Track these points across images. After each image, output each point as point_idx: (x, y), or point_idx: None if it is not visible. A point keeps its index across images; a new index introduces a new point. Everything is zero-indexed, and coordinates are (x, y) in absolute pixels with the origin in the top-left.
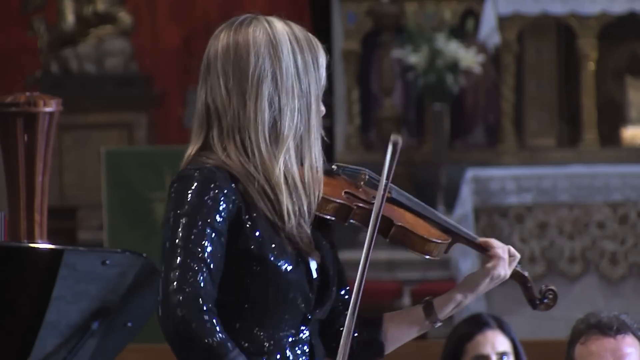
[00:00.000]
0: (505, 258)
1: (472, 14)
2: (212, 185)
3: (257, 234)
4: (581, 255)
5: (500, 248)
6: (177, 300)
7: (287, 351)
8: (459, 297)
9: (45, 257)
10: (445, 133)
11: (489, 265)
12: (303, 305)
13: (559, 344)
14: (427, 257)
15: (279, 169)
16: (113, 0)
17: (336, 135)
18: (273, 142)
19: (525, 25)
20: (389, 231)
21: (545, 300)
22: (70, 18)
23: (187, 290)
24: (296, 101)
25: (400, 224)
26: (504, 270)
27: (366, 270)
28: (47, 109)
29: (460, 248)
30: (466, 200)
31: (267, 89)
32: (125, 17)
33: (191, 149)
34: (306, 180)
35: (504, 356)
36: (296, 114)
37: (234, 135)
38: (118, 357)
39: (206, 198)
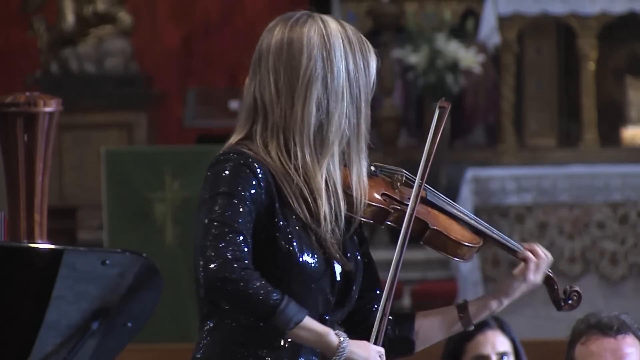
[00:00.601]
0: (539, 262)
1: (472, 14)
2: (247, 170)
3: (288, 229)
4: (581, 255)
5: (535, 252)
6: (217, 265)
7: (302, 349)
8: (494, 304)
9: (45, 257)
10: (445, 133)
11: (523, 269)
12: (321, 305)
13: (559, 344)
14: (459, 260)
15: (322, 175)
16: (113, 0)
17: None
18: (318, 146)
19: (525, 25)
20: (423, 234)
21: (570, 302)
22: (70, 18)
23: (224, 254)
24: (345, 105)
25: (435, 227)
26: (539, 274)
27: (400, 264)
28: (47, 109)
29: None
30: (466, 200)
31: (316, 91)
32: (125, 17)
33: (233, 139)
34: (353, 187)
35: (504, 356)
36: (344, 118)
37: (277, 133)
38: (118, 357)
39: (240, 180)
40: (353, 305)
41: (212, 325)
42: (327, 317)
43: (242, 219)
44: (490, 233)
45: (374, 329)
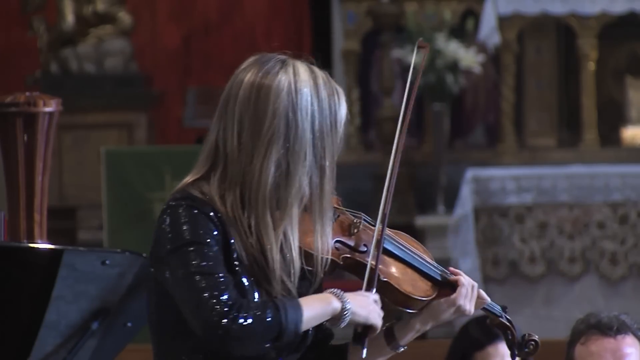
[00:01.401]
0: (469, 293)
1: (472, 14)
2: (203, 216)
3: (244, 278)
4: (581, 255)
5: (466, 284)
6: (216, 320)
7: None
8: (418, 325)
9: (45, 257)
10: (445, 133)
11: (453, 297)
12: (273, 353)
13: (559, 344)
14: (408, 311)
15: (276, 239)
16: (113, 0)
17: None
18: (274, 207)
19: (525, 25)
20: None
21: (526, 350)
22: (70, 18)
23: (218, 306)
24: (306, 167)
25: (385, 279)
26: (469, 304)
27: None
28: (47, 109)
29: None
30: (466, 200)
31: (276, 151)
32: (125, 17)
33: (189, 178)
34: (315, 247)
35: None
36: (305, 180)
37: (234, 188)
38: (118, 357)
39: (199, 226)
40: (302, 351)
41: None
42: None
43: (218, 263)
44: (440, 278)
45: (365, 279)
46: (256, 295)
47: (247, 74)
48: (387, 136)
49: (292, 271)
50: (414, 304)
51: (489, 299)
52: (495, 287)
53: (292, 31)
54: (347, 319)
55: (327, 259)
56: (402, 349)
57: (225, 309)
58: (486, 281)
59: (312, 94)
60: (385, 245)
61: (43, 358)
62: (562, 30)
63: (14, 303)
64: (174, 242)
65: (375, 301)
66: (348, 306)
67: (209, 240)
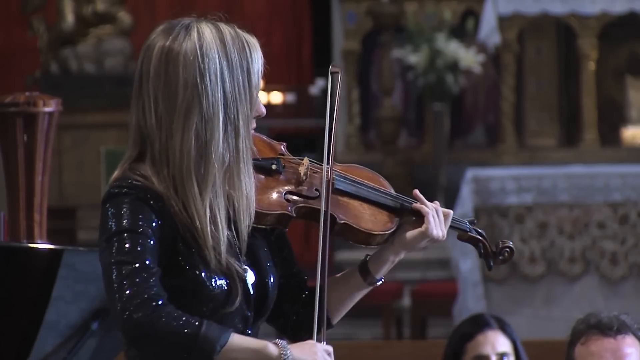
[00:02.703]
0: (437, 219)
1: (472, 13)
2: (144, 205)
3: (193, 257)
4: (581, 255)
5: (430, 210)
6: (132, 308)
7: None
8: (392, 257)
9: (45, 257)
10: (445, 133)
11: (423, 228)
12: (240, 324)
13: (559, 344)
14: (371, 247)
15: (205, 214)
16: (113, 0)
17: (336, 135)
18: (201, 178)
19: (525, 25)
20: (332, 228)
21: (501, 257)
22: (69, 18)
23: (136, 296)
24: (221, 131)
25: (343, 221)
26: (440, 230)
27: (326, 261)
28: (47, 109)
29: (461, 247)
30: (466, 200)
31: (194, 122)
32: (124, 17)
33: (124, 163)
34: (237, 209)
35: (504, 357)
36: (221, 144)
37: (161, 166)
38: (118, 357)
39: (140, 216)
40: (271, 308)
41: None
42: (249, 332)
43: (149, 255)
44: (399, 205)
45: (314, 328)
46: (214, 281)
47: (155, 47)
48: (387, 136)
49: (222, 241)
50: (376, 239)
51: (452, 213)
52: (495, 287)
53: (292, 31)
54: None
55: (252, 215)
56: (380, 282)
57: (143, 301)
58: (486, 281)
59: (219, 54)
60: (337, 185)
61: (43, 358)
62: (562, 30)
63: (14, 303)
64: (109, 230)
65: (328, 352)
66: (287, 353)
67: (143, 230)
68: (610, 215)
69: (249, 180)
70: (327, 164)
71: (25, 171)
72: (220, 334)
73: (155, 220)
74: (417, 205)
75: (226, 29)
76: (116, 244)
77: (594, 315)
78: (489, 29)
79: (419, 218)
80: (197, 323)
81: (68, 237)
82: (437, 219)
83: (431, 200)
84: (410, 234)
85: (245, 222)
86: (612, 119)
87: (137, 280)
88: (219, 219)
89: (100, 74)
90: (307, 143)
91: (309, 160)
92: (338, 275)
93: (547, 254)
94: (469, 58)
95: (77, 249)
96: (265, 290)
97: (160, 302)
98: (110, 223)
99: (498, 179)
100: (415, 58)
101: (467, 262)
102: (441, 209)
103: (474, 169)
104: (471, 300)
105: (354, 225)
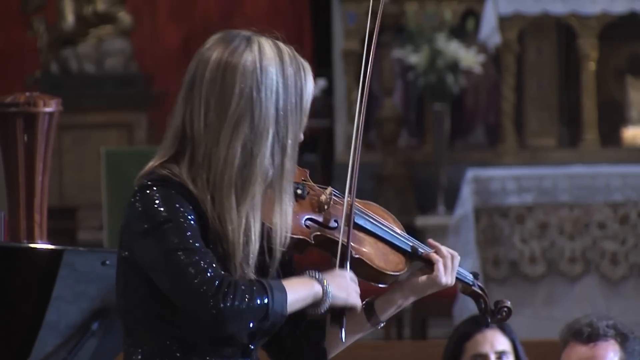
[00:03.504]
0: (449, 266)
1: (473, 14)
2: (179, 196)
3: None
4: (582, 255)
5: (444, 257)
6: (203, 294)
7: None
8: (400, 300)
9: (45, 257)
10: (445, 133)
11: (433, 275)
12: (246, 338)
13: (559, 345)
14: (380, 285)
15: (240, 225)
16: (113, 0)
17: (336, 135)
18: (239, 189)
19: (526, 25)
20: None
21: (499, 316)
22: (70, 18)
23: (202, 281)
24: (269, 147)
25: (358, 256)
26: (450, 278)
27: None
28: (47, 109)
29: (462, 247)
30: (466, 200)
31: (243, 132)
32: (125, 17)
33: (156, 161)
34: (274, 226)
35: (503, 355)
36: (267, 159)
37: (202, 171)
38: (118, 357)
39: (177, 205)
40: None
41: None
42: (252, 347)
43: (197, 239)
44: (413, 250)
45: (337, 257)
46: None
47: (213, 53)
48: (387, 136)
49: (251, 255)
50: (386, 279)
51: (458, 257)
52: (495, 287)
53: (292, 31)
54: (327, 304)
55: (287, 236)
56: (382, 325)
57: (215, 287)
58: (487, 281)
59: (277, 71)
60: (355, 220)
61: (43, 358)
62: (562, 30)
63: (14, 303)
64: (150, 221)
65: (352, 280)
66: (329, 290)
67: (186, 215)
68: (611, 215)
69: (288, 200)
70: (349, 194)
71: (26, 171)
72: (282, 296)
73: (191, 210)
74: (427, 254)
75: (285, 48)
76: (162, 235)
77: (577, 322)
78: (489, 29)
79: (430, 264)
80: (264, 292)
81: (68, 237)
82: (448, 267)
83: (434, 210)
84: (421, 279)
85: (281, 240)
86: (613, 119)
87: (199, 264)
88: (252, 232)
89: (101, 74)
90: (307, 143)
91: (332, 190)
92: None
93: (548, 254)
94: (469, 58)
95: (77, 249)
96: None
97: (229, 283)
98: (147, 217)
99: (498, 179)
100: (415, 58)
101: (468, 262)
102: (450, 255)
103: (475, 169)
104: (471, 301)
105: (367, 261)
